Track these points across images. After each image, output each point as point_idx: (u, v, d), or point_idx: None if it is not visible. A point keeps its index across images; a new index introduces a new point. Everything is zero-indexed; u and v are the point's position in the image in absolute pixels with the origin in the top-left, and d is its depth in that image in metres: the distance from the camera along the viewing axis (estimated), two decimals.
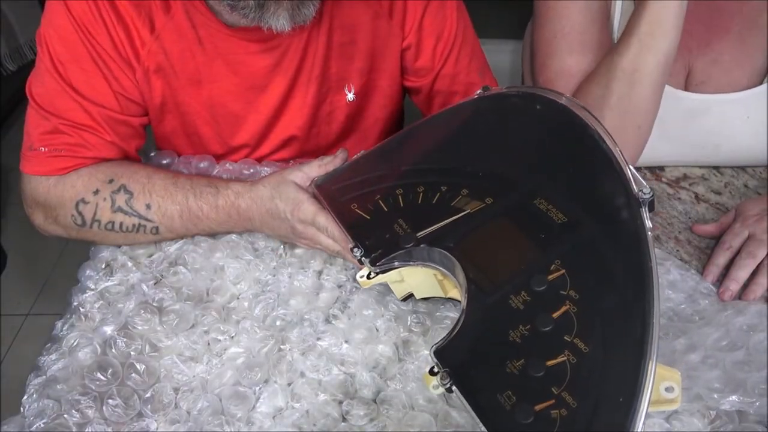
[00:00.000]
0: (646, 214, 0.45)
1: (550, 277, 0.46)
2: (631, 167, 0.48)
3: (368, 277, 0.54)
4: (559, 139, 0.54)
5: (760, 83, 0.73)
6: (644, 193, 0.46)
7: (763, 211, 0.65)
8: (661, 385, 0.41)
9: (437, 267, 0.52)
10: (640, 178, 0.47)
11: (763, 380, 0.52)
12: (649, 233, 0.44)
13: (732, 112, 0.74)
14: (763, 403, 0.51)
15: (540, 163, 0.53)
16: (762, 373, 0.52)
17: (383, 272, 0.54)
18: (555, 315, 0.43)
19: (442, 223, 0.52)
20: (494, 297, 0.47)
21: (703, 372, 0.53)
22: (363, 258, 0.54)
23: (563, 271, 0.46)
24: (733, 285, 0.62)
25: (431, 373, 0.45)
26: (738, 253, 0.64)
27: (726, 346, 0.55)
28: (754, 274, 0.62)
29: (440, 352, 0.45)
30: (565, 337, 0.42)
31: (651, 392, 0.39)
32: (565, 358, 0.41)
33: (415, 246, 0.52)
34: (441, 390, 0.44)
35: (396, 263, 0.53)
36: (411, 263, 0.53)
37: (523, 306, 0.45)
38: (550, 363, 0.42)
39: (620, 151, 0.49)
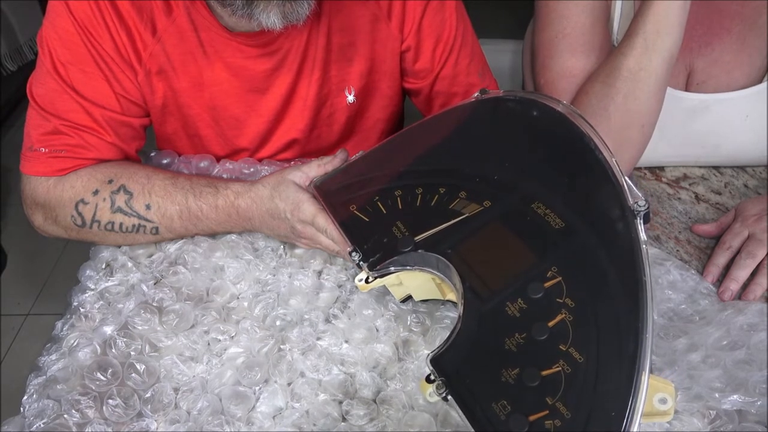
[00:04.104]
0: (641, 226, 0.45)
1: (547, 284, 0.45)
2: (627, 179, 0.47)
3: (366, 281, 0.54)
4: (555, 147, 0.53)
5: (760, 83, 0.73)
6: (639, 206, 0.45)
7: (763, 211, 0.66)
8: (655, 396, 0.41)
9: (435, 272, 0.52)
10: (636, 189, 0.47)
11: (764, 379, 0.52)
12: (644, 246, 0.44)
13: (731, 112, 0.74)
14: (764, 402, 0.51)
15: (536, 170, 0.53)
16: (763, 372, 0.52)
17: (381, 276, 0.54)
18: (551, 324, 0.43)
19: (440, 227, 0.52)
20: (491, 304, 0.46)
21: (704, 371, 0.53)
22: (361, 262, 0.54)
23: (560, 278, 0.45)
24: (733, 285, 0.62)
25: (428, 380, 0.45)
26: (738, 253, 0.64)
27: (727, 346, 0.55)
28: (754, 274, 0.62)
29: (437, 360, 0.45)
30: (561, 347, 0.42)
31: (644, 404, 0.39)
32: (560, 368, 0.41)
33: (413, 250, 0.52)
34: (437, 398, 0.44)
35: (394, 268, 0.53)
36: (409, 268, 0.53)
37: (519, 313, 0.45)
38: (544, 373, 0.41)
39: (616, 161, 0.49)
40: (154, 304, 0.61)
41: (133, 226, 0.66)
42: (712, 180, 0.77)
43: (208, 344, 0.59)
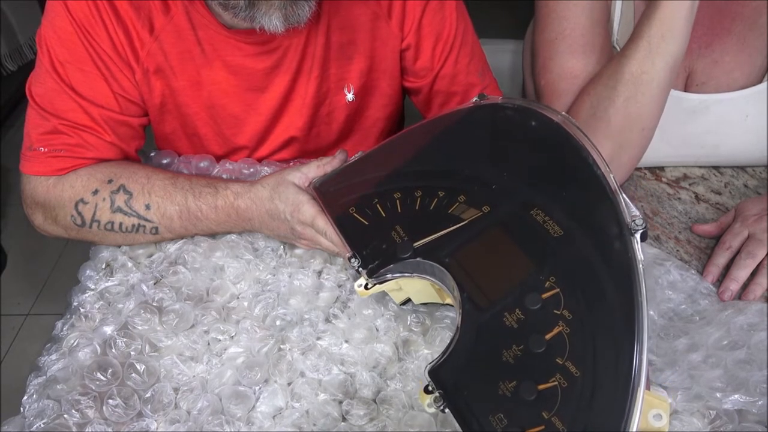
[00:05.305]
0: (638, 245, 0.44)
1: (545, 295, 0.45)
2: (624, 196, 0.47)
3: (366, 287, 0.54)
4: (553, 158, 0.53)
5: (760, 83, 0.73)
6: (637, 224, 0.45)
7: (763, 210, 0.66)
8: (650, 412, 0.41)
9: (434, 280, 0.52)
10: (633, 207, 0.46)
11: (764, 379, 0.52)
12: (640, 265, 0.43)
13: (731, 112, 0.74)
14: (765, 402, 0.51)
15: (534, 179, 0.53)
16: (763, 372, 0.52)
17: (380, 283, 0.54)
18: (548, 336, 0.43)
19: (439, 234, 0.52)
20: (489, 314, 0.46)
21: (705, 371, 0.53)
22: (360, 269, 0.54)
23: (557, 289, 0.45)
24: (733, 285, 0.62)
25: (426, 391, 0.45)
26: (738, 253, 0.64)
27: (727, 346, 0.55)
28: (754, 273, 0.62)
29: (435, 372, 0.45)
30: (557, 360, 0.42)
31: (639, 420, 0.39)
32: (556, 382, 0.41)
33: (411, 257, 0.52)
34: (434, 410, 0.44)
35: (393, 275, 0.53)
36: (408, 274, 0.53)
37: (516, 324, 0.45)
38: (541, 387, 0.42)
39: (614, 177, 0.48)
40: (154, 304, 0.61)
41: (133, 226, 0.66)
42: (712, 180, 0.77)
43: (208, 344, 0.59)
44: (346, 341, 0.59)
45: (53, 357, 0.58)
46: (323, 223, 0.59)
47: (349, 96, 0.79)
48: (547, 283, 0.46)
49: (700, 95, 0.74)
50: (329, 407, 0.54)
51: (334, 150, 0.66)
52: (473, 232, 0.51)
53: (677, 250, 0.68)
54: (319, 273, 0.65)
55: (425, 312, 0.60)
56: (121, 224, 0.66)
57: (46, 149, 0.66)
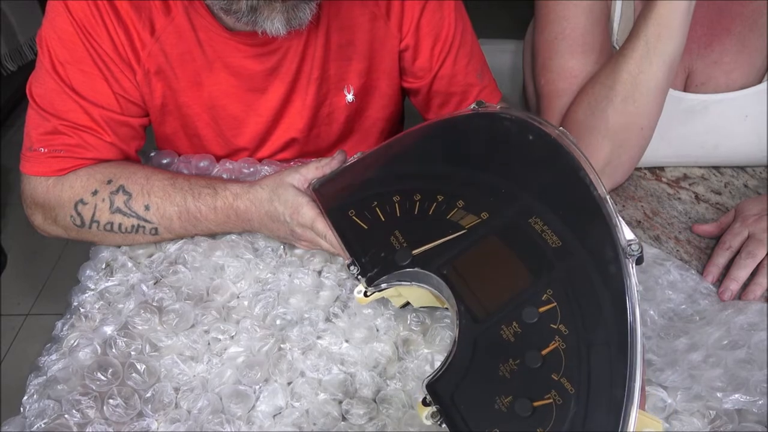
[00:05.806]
0: (633, 270, 0.44)
1: (541, 309, 0.45)
2: (621, 218, 0.47)
3: (365, 295, 0.54)
4: (548, 177, 0.52)
5: (759, 83, 0.73)
6: (632, 250, 0.44)
7: (763, 210, 0.66)
8: None
9: (432, 290, 0.52)
10: (630, 232, 0.46)
11: (764, 379, 0.52)
12: (635, 290, 0.43)
13: (730, 112, 0.74)
14: (765, 401, 0.51)
15: (531, 194, 0.52)
16: (763, 371, 0.52)
17: (379, 290, 0.54)
18: (544, 352, 0.43)
19: (438, 242, 0.52)
20: (485, 326, 0.46)
21: (705, 371, 0.53)
22: (359, 276, 0.54)
23: (554, 303, 0.45)
24: (733, 285, 0.62)
25: (424, 403, 0.45)
26: (738, 253, 0.64)
27: (727, 345, 0.55)
28: (754, 273, 0.62)
29: (432, 386, 0.45)
30: (553, 376, 0.42)
31: None
32: (551, 399, 0.41)
33: (410, 266, 0.52)
34: (431, 423, 0.44)
35: (391, 284, 0.53)
36: (406, 283, 0.53)
37: (513, 338, 0.45)
38: (536, 404, 0.42)
39: (611, 199, 0.48)
40: (154, 303, 0.61)
41: (132, 226, 0.66)
42: (712, 180, 0.77)
43: (209, 344, 0.59)
44: (346, 340, 0.59)
45: (53, 357, 0.58)
46: (323, 225, 0.59)
47: (349, 97, 0.79)
48: (545, 296, 0.46)
49: (700, 95, 0.74)
50: (329, 407, 0.54)
51: (334, 151, 0.65)
52: (471, 240, 0.51)
53: (677, 250, 0.68)
54: (320, 272, 0.65)
55: (425, 311, 0.60)
56: (120, 225, 0.66)
57: (46, 149, 0.66)
